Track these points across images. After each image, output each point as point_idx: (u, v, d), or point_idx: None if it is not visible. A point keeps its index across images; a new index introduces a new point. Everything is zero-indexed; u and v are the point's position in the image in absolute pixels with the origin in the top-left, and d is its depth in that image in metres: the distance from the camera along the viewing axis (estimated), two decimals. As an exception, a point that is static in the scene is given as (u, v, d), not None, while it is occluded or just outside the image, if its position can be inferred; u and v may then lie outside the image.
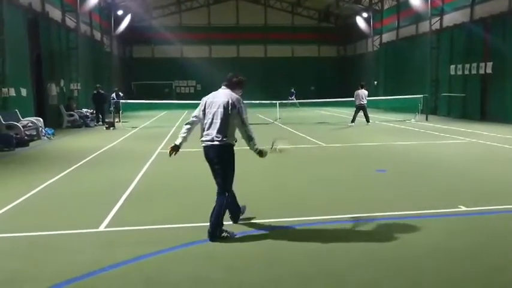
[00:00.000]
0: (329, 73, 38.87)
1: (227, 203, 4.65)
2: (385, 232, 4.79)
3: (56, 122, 17.70)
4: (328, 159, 9.76)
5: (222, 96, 4.64)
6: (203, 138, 4.64)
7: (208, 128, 4.59)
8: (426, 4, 23.15)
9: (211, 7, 37.97)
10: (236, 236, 4.58)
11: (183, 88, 37.98)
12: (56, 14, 19.27)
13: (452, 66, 21.32)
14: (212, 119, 4.58)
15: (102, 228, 5.01)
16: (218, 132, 4.54)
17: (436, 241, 4.48)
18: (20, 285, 3.59)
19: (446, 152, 10.55)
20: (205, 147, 4.64)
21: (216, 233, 4.50)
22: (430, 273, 3.73)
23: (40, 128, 14.20)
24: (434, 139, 12.85)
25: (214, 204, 4.63)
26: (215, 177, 4.67)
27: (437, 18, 22.84)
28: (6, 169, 9.06)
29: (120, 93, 19.04)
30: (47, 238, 4.71)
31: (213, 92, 4.78)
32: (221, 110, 4.55)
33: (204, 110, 4.67)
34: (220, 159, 4.59)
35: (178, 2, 36.54)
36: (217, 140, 4.54)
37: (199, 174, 8.07)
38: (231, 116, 4.54)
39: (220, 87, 4.79)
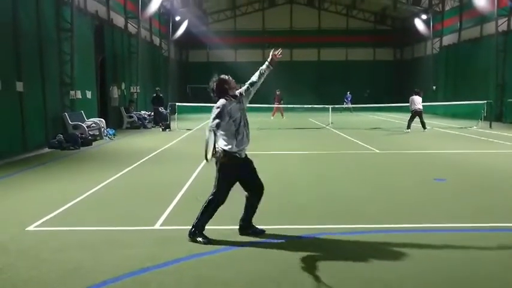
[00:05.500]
0: (384, 77, 37.74)
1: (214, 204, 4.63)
2: (445, 244, 4.56)
3: (116, 123, 18.68)
4: (383, 167, 9.47)
5: None
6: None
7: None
8: (492, 4, 21.81)
9: (265, 11, 38.29)
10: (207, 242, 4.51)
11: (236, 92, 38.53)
12: (119, 20, 20.37)
13: (521, 70, 19.92)
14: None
15: (157, 226, 5.21)
16: None
17: (501, 257, 4.21)
18: (84, 275, 3.83)
19: (511, 162, 9.88)
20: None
21: (193, 230, 4.60)
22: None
23: (102, 129, 15.06)
24: (498, 148, 12.06)
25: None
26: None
27: (505, 19, 21.45)
28: (72, 166, 9.69)
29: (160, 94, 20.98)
30: (108, 233, 4.98)
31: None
32: None
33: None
34: None
35: (234, 7, 37.22)
36: None
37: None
38: None
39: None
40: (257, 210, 4.88)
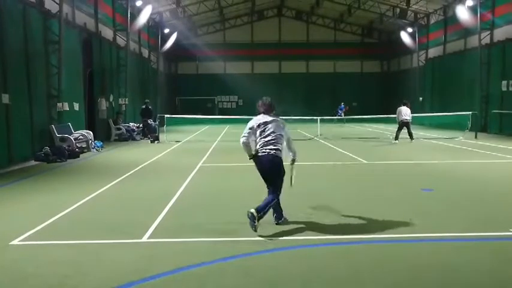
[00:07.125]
0: (372, 89, 38.24)
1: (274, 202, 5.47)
2: (431, 254, 4.60)
3: (104, 135, 18.54)
4: (371, 177, 9.53)
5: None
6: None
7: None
8: (475, 18, 22.37)
9: (254, 24, 38.66)
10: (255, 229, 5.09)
11: (225, 103, 38.67)
12: (107, 33, 20.36)
13: (504, 82, 20.31)
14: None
15: (145, 239, 5.16)
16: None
17: (488, 267, 4.25)
18: (68, 291, 3.77)
19: (496, 171, 10.02)
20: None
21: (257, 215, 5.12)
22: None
23: (90, 141, 14.92)
24: (483, 158, 12.25)
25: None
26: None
27: (488, 32, 21.99)
28: (59, 179, 9.57)
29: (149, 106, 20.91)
30: (94, 246, 4.92)
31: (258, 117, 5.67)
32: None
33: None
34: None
35: (223, 20, 37.52)
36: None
37: (240, 189, 8.18)
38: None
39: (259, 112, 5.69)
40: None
